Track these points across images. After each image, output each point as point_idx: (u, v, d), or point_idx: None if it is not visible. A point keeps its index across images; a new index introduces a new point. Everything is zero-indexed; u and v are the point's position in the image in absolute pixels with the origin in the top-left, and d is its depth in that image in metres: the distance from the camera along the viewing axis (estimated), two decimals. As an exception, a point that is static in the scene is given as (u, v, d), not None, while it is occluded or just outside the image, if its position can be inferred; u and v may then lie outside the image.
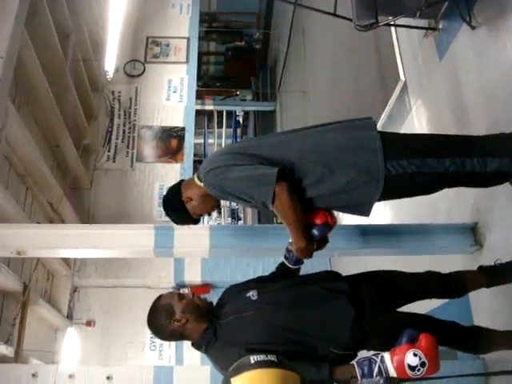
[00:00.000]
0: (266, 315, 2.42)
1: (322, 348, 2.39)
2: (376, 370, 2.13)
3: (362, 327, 2.44)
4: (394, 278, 2.75)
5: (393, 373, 2.11)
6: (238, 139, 13.21)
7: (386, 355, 2.14)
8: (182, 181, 2.80)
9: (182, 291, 7.49)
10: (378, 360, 2.15)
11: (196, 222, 2.81)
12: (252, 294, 2.49)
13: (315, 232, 2.51)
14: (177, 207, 2.70)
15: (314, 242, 2.53)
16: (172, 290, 2.61)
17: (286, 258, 2.68)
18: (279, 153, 2.49)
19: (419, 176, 2.43)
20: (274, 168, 2.36)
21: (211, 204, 2.72)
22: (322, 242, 2.60)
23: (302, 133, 2.64)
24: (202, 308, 2.48)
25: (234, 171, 2.45)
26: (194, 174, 2.73)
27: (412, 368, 2.07)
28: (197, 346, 2.50)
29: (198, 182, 2.65)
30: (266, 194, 2.35)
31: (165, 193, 2.83)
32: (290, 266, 2.67)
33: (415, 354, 2.08)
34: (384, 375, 2.12)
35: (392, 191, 2.52)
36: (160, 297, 2.56)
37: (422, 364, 2.07)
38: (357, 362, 2.21)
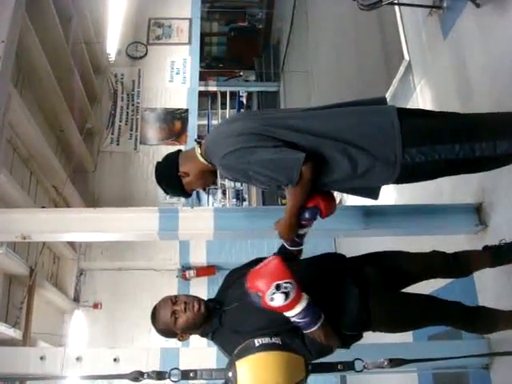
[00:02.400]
0: None
1: None
2: (305, 320, 2.16)
3: (367, 308, 2.44)
4: (398, 259, 2.75)
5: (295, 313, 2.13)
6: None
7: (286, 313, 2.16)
8: (179, 151, 2.65)
9: (186, 273, 7.54)
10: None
11: (188, 196, 2.70)
12: None
13: (305, 214, 2.50)
14: (171, 181, 2.59)
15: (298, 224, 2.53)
16: (161, 304, 2.50)
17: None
18: (300, 138, 2.39)
19: (427, 164, 2.40)
20: (299, 152, 2.29)
21: (209, 180, 2.64)
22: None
23: (321, 114, 2.52)
24: (200, 319, 2.41)
25: (259, 154, 2.32)
26: (197, 146, 2.56)
27: (285, 297, 2.08)
28: (204, 334, 2.50)
29: (200, 158, 2.53)
30: (291, 177, 2.29)
31: (160, 160, 2.66)
32: (288, 247, 2.66)
33: (278, 287, 2.09)
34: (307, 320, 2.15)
35: (399, 178, 2.49)
36: (155, 316, 2.46)
37: (277, 287, 2.08)
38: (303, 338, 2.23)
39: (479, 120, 2.59)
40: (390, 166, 2.38)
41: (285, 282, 2.07)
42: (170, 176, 2.58)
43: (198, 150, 2.54)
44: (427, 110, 2.76)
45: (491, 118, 2.64)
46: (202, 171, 2.56)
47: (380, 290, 2.54)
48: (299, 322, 2.16)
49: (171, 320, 2.40)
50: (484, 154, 2.41)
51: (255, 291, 2.13)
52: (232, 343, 2.27)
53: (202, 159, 2.53)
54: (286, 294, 2.07)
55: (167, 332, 2.46)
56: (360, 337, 2.52)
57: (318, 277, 2.52)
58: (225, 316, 2.43)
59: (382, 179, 2.48)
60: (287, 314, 2.13)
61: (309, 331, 2.20)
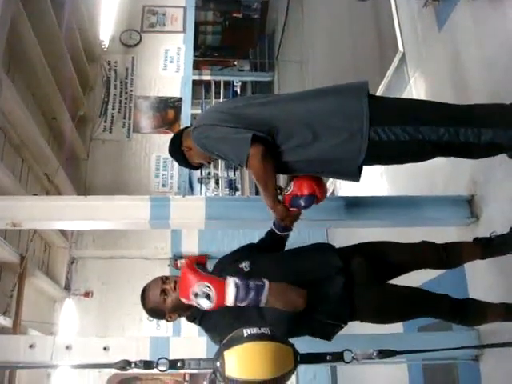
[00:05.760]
0: None
1: (309, 316, 2.38)
2: (249, 297, 2.15)
3: (352, 298, 2.43)
4: (386, 249, 2.75)
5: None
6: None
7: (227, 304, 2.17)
8: (185, 128, 2.86)
9: (178, 262, 7.54)
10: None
11: (196, 168, 2.97)
12: (245, 266, 2.49)
13: (301, 202, 2.60)
14: (178, 154, 2.81)
15: (296, 210, 2.66)
16: (154, 281, 2.52)
17: (274, 224, 2.74)
18: (265, 112, 2.54)
19: (412, 143, 2.45)
20: (249, 132, 2.43)
21: (209, 155, 2.74)
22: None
23: (292, 95, 2.68)
24: None
25: (215, 131, 2.53)
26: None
27: (208, 298, 2.10)
28: (191, 319, 2.51)
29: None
30: (240, 157, 2.45)
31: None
32: (278, 232, 2.73)
33: (196, 295, 2.11)
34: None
35: (383, 157, 2.58)
36: (145, 295, 2.48)
37: (196, 295, 2.10)
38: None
39: (467, 107, 2.64)
40: (357, 142, 2.44)
41: (198, 287, 2.10)
42: (175, 150, 2.81)
43: (191, 128, 2.74)
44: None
45: (479, 107, 2.67)
46: None
47: (367, 281, 2.54)
48: (248, 303, 2.15)
49: (160, 299, 2.41)
50: (468, 139, 2.46)
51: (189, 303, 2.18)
52: (219, 325, 2.32)
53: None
54: (207, 295, 2.10)
55: (156, 311, 2.47)
56: (341, 327, 2.51)
57: (305, 265, 2.52)
58: None
59: (352, 158, 2.51)
60: (228, 304, 2.14)
61: (263, 302, 2.18)
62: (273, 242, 2.76)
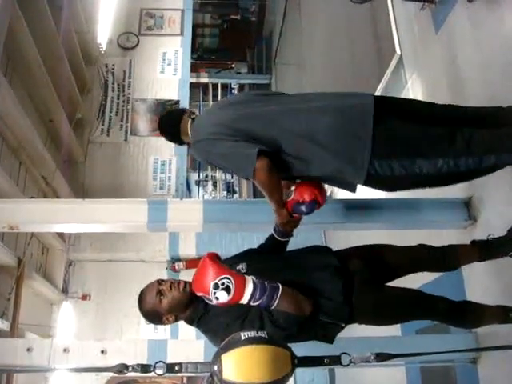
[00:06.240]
0: None
1: (313, 319, 2.38)
2: (263, 298, 2.17)
3: (350, 300, 2.43)
4: (384, 252, 2.75)
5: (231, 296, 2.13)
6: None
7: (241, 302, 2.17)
8: (184, 112, 2.87)
9: (176, 265, 7.52)
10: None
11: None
12: (241, 267, 2.48)
13: (303, 208, 2.59)
14: (171, 136, 2.91)
15: (298, 216, 2.67)
16: (151, 283, 2.50)
17: (274, 230, 2.73)
18: (268, 130, 2.52)
19: (409, 177, 2.44)
20: (255, 147, 2.42)
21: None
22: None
23: (296, 107, 2.59)
24: (185, 299, 2.39)
25: (218, 147, 2.54)
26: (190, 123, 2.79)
27: (227, 292, 2.11)
28: (189, 321, 2.50)
29: (189, 132, 2.75)
30: (246, 171, 2.45)
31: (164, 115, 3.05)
32: (278, 238, 2.71)
33: (216, 286, 2.11)
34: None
35: (382, 188, 2.60)
36: (141, 298, 2.46)
37: (215, 287, 2.11)
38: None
39: (468, 134, 2.47)
40: (356, 169, 2.44)
41: (220, 279, 2.11)
42: (171, 132, 2.90)
43: (189, 127, 2.77)
44: (418, 107, 2.76)
45: (480, 132, 2.50)
46: None
47: (364, 283, 2.54)
48: (260, 303, 2.17)
49: (157, 299, 2.39)
50: (469, 168, 2.42)
51: (202, 295, 2.19)
52: (216, 326, 2.34)
53: (190, 133, 2.77)
54: (227, 289, 2.10)
55: (153, 314, 2.44)
56: (341, 328, 2.51)
57: (302, 266, 2.52)
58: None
59: (350, 181, 2.54)
60: (242, 302, 2.15)
61: (275, 305, 2.20)
62: (272, 247, 2.74)
